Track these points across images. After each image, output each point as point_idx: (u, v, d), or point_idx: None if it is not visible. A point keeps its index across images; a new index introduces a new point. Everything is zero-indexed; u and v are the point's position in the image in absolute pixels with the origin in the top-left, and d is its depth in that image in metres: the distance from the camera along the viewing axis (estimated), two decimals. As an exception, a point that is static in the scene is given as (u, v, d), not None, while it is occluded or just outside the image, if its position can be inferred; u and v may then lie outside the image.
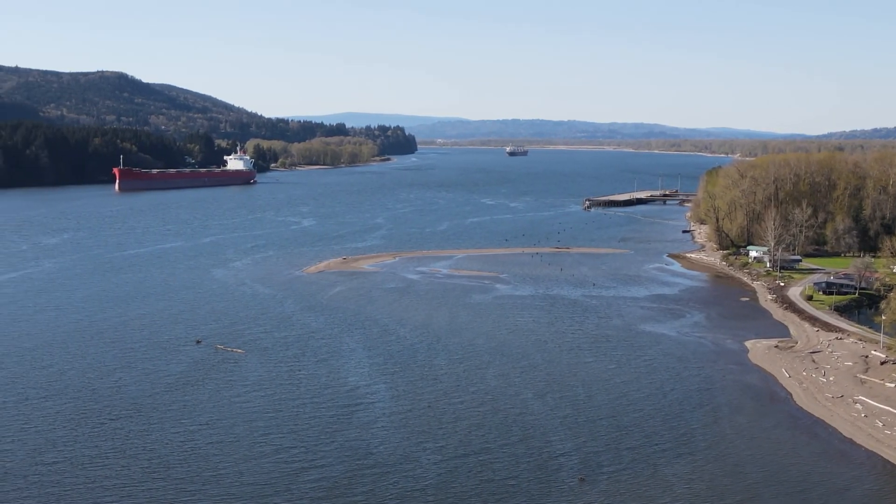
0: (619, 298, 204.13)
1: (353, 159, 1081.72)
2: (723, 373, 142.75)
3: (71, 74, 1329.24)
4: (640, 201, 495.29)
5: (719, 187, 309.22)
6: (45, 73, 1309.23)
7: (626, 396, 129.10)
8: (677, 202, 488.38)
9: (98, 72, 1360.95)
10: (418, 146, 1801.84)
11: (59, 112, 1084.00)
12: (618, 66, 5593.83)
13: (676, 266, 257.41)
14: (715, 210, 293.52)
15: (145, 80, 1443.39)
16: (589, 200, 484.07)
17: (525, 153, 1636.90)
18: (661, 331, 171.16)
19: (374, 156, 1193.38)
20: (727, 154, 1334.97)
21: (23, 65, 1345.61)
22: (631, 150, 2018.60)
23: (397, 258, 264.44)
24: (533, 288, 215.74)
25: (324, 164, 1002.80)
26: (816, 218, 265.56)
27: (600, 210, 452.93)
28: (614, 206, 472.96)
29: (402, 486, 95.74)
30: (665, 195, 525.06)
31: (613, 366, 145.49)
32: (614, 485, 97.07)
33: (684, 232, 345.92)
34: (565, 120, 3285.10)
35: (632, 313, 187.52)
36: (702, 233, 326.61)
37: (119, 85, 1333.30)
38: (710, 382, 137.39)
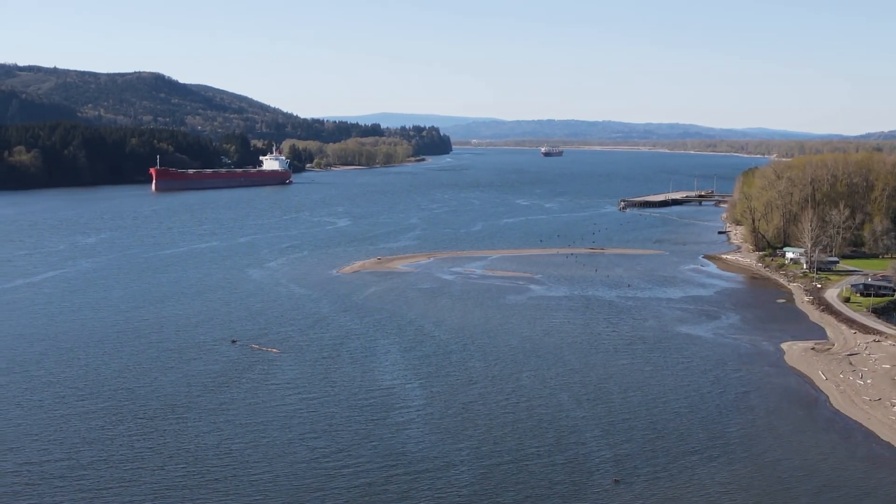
0: (654, 300, 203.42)
1: (388, 160, 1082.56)
2: (759, 375, 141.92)
3: (108, 75, 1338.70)
4: (675, 202, 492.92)
5: (755, 188, 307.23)
6: (83, 73, 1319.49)
7: (662, 398, 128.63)
8: (713, 203, 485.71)
9: (135, 72, 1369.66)
10: (453, 146, 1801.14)
11: (97, 112, 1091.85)
12: (653, 66, 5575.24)
13: (712, 267, 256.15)
14: (751, 211, 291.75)
15: (182, 80, 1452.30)
16: (624, 201, 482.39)
17: (560, 153, 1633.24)
18: (696, 332, 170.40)
19: (408, 156, 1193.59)
20: (763, 155, 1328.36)
21: (61, 66, 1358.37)
22: (666, 151, 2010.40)
23: (432, 258, 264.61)
24: (568, 289, 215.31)
25: (359, 165, 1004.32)
26: (854, 219, 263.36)
27: (635, 211, 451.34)
28: (650, 206, 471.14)
29: (437, 487, 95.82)
30: (701, 196, 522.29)
31: (649, 368, 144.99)
32: (649, 487, 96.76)
33: (720, 233, 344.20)
34: (600, 120, 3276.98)
35: (667, 315, 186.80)
36: (738, 234, 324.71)
37: (156, 85, 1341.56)
38: (745, 384, 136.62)
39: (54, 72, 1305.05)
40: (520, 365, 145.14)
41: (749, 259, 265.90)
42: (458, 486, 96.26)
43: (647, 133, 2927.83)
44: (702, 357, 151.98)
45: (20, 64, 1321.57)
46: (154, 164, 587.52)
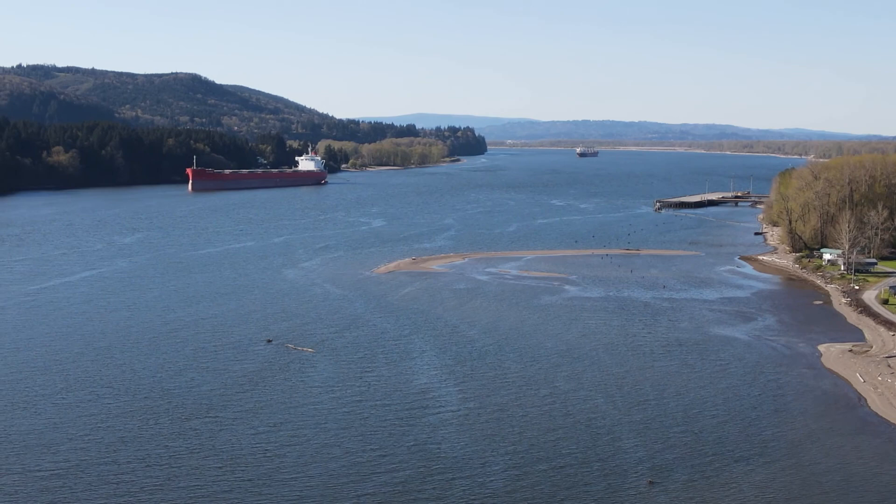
0: (690, 301, 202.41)
1: (423, 160, 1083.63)
2: (796, 377, 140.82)
3: (146, 76, 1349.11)
4: (711, 203, 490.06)
5: (792, 189, 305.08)
6: (121, 74, 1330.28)
7: (698, 400, 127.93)
8: (749, 204, 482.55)
9: (172, 73, 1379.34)
10: (488, 147, 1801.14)
11: (134, 113, 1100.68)
12: (689, 66, 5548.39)
13: (748, 269, 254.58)
14: (788, 212, 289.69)
15: (218, 81, 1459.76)
16: (659, 202, 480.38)
17: (595, 154, 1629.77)
18: (732, 334, 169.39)
19: (443, 157, 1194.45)
20: (800, 155, 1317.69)
21: (99, 66, 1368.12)
22: (702, 152, 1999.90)
23: (466, 259, 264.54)
24: (603, 290, 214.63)
25: (394, 165, 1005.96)
26: (893, 220, 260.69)
27: (671, 211, 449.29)
28: (685, 207, 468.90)
29: (471, 488, 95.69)
30: (737, 197, 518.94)
31: (686, 370, 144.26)
32: (684, 489, 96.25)
33: (756, 234, 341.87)
34: (636, 121, 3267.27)
35: (703, 316, 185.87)
36: (774, 235, 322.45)
37: (192, 86, 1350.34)
38: (782, 387, 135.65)
39: (92, 73, 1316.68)
40: (555, 366, 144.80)
41: (786, 260, 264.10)
42: (493, 487, 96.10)
43: (683, 134, 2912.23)
44: (738, 359, 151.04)
45: (59, 65, 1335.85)
46: (191, 165, 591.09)
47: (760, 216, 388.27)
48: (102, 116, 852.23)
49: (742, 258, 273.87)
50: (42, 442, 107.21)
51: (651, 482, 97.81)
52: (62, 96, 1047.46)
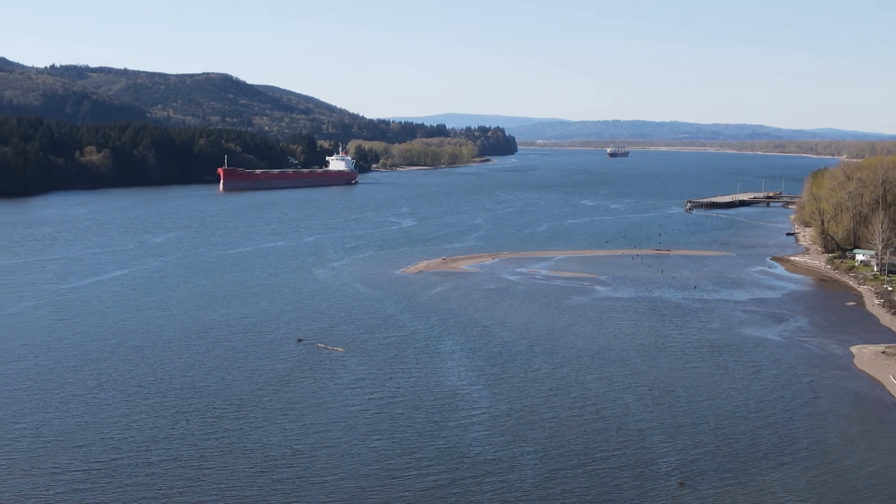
0: (721, 302, 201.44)
1: (454, 160, 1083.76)
2: (828, 379, 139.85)
3: (177, 76, 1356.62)
4: (742, 203, 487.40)
5: (825, 189, 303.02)
6: (153, 74, 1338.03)
7: (729, 401, 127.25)
8: (781, 204, 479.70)
9: (203, 73, 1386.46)
10: (518, 147, 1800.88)
11: (166, 113, 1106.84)
12: (721, 65, 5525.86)
13: (780, 269, 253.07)
14: (820, 212, 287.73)
15: (249, 81, 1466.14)
16: (690, 202, 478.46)
17: (626, 154, 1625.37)
18: (764, 335, 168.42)
19: (473, 157, 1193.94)
20: (833, 156, 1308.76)
21: (131, 67, 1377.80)
22: (734, 152, 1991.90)
23: (496, 259, 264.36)
24: (633, 290, 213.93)
25: (424, 165, 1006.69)
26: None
27: (702, 212, 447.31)
28: (716, 207, 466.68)
29: (501, 490, 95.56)
30: (768, 197, 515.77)
31: (718, 371, 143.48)
32: (714, 490, 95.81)
33: (788, 235, 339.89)
34: (667, 121, 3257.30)
35: (735, 317, 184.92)
36: (806, 236, 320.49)
37: (224, 86, 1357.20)
38: (814, 388, 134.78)
39: (125, 73, 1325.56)
40: (585, 367, 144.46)
41: (818, 261, 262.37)
42: (523, 488, 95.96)
43: (714, 134, 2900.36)
44: (770, 360, 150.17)
45: (91, 65, 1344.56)
46: (222, 165, 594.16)
47: (792, 217, 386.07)
48: (134, 116, 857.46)
49: (773, 259, 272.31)
50: (74, 441, 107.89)
51: (681, 483, 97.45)
52: (95, 96, 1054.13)
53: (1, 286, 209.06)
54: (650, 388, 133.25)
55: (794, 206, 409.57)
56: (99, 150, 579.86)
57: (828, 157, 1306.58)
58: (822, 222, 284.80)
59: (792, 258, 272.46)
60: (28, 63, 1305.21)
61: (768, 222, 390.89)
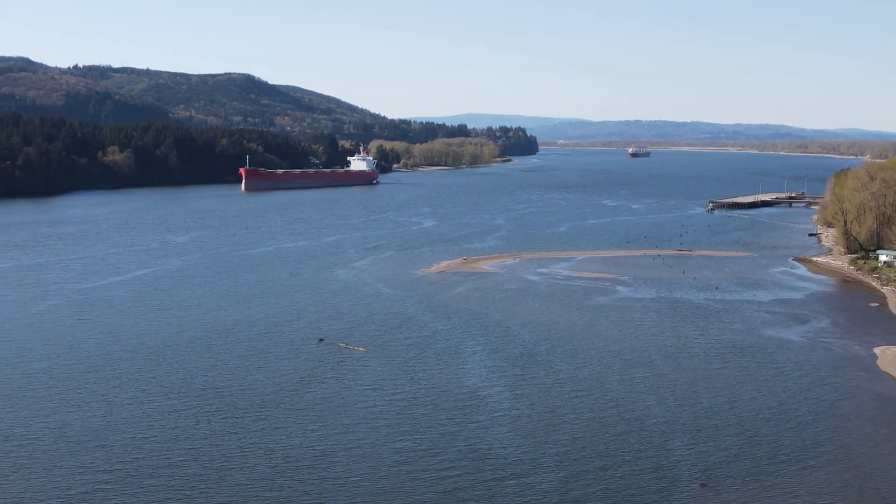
0: (743, 302, 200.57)
1: (475, 160, 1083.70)
2: (851, 380, 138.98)
3: (199, 76, 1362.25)
4: (764, 203, 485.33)
5: (848, 190, 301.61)
6: (175, 74, 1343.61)
7: (752, 403, 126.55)
8: (803, 205, 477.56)
9: (225, 73, 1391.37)
10: (539, 147, 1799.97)
11: (188, 113, 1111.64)
12: (743, 65, 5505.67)
13: (802, 270, 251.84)
14: (843, 213, 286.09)
15: (271, 81, 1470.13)
16: (712, 202, 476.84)
17: (647, 154, 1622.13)
18: (786, 336, 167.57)
19: (495, 157, 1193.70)
20: (856, 156, 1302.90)
21: (153, 67, 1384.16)
22: (756, 152, 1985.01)
23: (517, 259, 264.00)
24: (655, 291, 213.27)
25: (445, 165, 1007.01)
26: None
27: (724, 212, 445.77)
28: (738, 208, 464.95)
29: (522, 490, 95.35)
30: (791, 198, 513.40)
31: (740, 372, 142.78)
32: (736, 492, 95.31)
33: (810, 235, 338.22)
34: (688, 121, 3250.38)
35: (756, 318, 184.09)
36: (829, 236, 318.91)
37: (245, 86, 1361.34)
38: (838, 390, 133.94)
39: (147, 73, 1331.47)
40: (606, 368, 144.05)
41: (840, 262, 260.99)
42: (544, 489, 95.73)
43: (736, 134, 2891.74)
44: (792, 361, 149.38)
45: (114, 65, 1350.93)
46: (244, 165, 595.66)
47: (815, 217, 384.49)
48: (157, 116, 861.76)
49: (796, 259, 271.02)
50: (96, 440, 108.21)
51: (703, 485, 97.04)
52: (117, 96, 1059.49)
53: (24, 285, 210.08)
54: (672, 390, 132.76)
55: (816, 207, 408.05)
56: (121, 150, 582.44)
57: (851, 157, 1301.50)
58: (845, 223, 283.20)
59: (814, 259, 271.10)
60: (51, 63, 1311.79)
61: (791, 223, 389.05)
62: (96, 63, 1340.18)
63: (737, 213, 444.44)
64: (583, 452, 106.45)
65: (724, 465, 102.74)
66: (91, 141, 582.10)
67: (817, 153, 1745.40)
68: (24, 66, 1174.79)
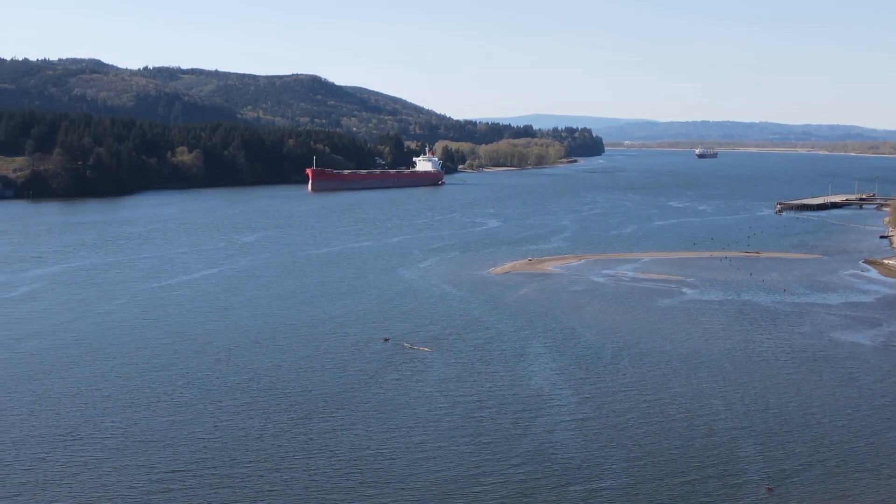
0: (812, 305, 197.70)
1: (540, 161, 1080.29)
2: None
3: (267, 77, 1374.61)
4: (834, 205, 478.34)
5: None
6: (243, 76, 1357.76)
7: (822, 408, 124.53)
8: (874, 207, 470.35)
9: (293, 75, 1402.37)
10: (605, 148, 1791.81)
11: (256, 114, 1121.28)
12: (812, 65, 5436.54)
13: (873, 273, 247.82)
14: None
15: (338, 82, 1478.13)
16: (780, 204, 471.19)
17: (715, 155, 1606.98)
18: (857, 340, 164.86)
19: (560, 158, 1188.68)
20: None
21: (222, 68, 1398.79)
22: (825, 153, 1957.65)
23: (583, 260, 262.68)
24: (722, 293, 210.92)
25: (510, 166, 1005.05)
26: None
27: (792, 214, 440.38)
28: (807, 209, 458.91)
29: (586, 496, 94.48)
30: (861, 199, 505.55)
31: (812, 375, 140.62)
32: (805, 497, 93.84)
33: (881, 238, 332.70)
34: (756, 121, 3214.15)
35: (826, 321, 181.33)
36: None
37: (313, 87, 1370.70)
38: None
39: (215, 74, 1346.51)
40: (672, 371, 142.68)
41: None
42: (609, 494, 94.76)
43: (805, 135, 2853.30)
44: (864, 366, 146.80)
45: (183, 67, 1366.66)
46: (310, 165, 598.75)
47: (886, 219, 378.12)
48: (225, 117, 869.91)
49: (867, 262, 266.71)
50: (162, 439, 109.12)
51: (770, 489, 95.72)
52: (186, 97, 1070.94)
53: (92, 284, 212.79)
54: (738, 392, 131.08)
55: (888, 209, 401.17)
56: (190, 151, 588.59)
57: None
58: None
59: (886, 261, 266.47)
60: (122, 65, 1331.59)
61: (861, 225, 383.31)
62: (166, 64, 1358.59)
63: (806, 214, 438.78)
64: (648, 457, 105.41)
65: (792, 471, 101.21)
66: (160, 141, 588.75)
67: (890, 154, 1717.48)
68: (95, 67, 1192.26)
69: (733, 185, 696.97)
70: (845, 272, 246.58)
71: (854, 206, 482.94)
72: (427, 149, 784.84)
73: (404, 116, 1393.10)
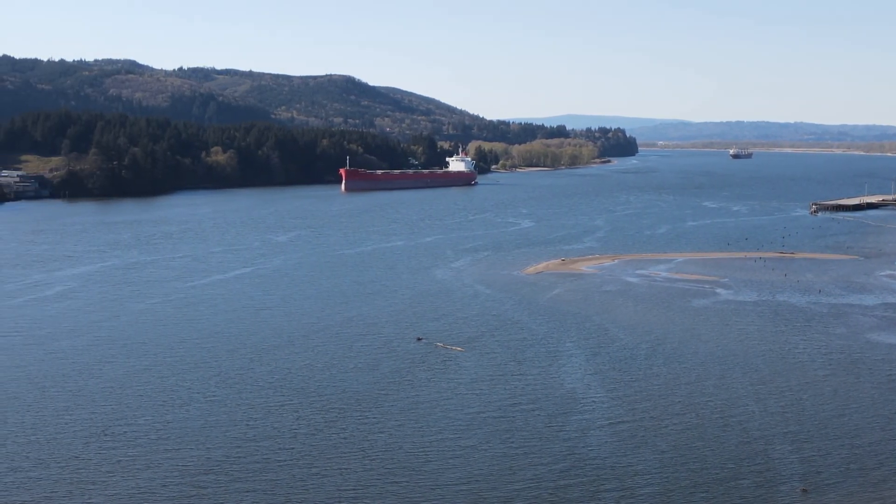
0: (848, 307, 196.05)
1: (573, 161, 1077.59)
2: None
3: (301, 78, 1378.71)
4: (870, 206, 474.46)
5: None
6: (277, 76, 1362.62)
7: (859, 411, 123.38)
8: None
9: (326, 75, 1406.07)
10: (639, 148, 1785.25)
11: (290, 114, 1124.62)
12: (848, 65, 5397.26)
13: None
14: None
15: (371, 83, 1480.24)
16: (816, 204, 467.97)
17: (749, 156, 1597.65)
18: (893, 342, 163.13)
19: (594, 158, 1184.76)
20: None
21: (256, 69, 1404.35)
22: (862, 153, 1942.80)
23: (616, 260, 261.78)
24: (756, 294, 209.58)
25: (543, 166, 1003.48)
26: None
27: (828, 214, 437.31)
28: (843, 210, 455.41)
29: (619, 496, 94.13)
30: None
31: (850, 377, 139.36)
32: (840, 499, 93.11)
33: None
34: (792, 122, 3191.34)
35: (862, 323, 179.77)
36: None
37: (346, 88, 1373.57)
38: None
39: (249, 75, 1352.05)
40: (707, 372, 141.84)
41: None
42: (642, 495, 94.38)
43: (841, 135, 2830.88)
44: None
45: (218, 67, 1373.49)
46: (344, 165, 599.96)
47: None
48: (259, 117, 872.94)
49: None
50: (195, 438, 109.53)
51: (804, 490, 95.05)
52: (220, 98, 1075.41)
53: (127, 283, 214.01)
54: (773, 394, 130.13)
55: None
56: (224, 151, 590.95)
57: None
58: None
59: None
60: (157, 66, 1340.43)
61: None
62: (200, 65, 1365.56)
63: (841, 215, 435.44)
64: (681, 456, 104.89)
65: (827, 473, 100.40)
66: (195, 141, 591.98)
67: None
68: (131, 68, 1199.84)
69: (768, 186, 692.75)
70: (882, 273, 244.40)
71: (891, 207, 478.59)
72: (460, 149, 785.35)
73: (437, 117, 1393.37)
